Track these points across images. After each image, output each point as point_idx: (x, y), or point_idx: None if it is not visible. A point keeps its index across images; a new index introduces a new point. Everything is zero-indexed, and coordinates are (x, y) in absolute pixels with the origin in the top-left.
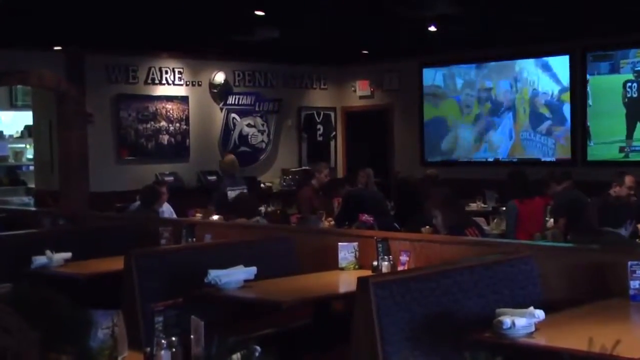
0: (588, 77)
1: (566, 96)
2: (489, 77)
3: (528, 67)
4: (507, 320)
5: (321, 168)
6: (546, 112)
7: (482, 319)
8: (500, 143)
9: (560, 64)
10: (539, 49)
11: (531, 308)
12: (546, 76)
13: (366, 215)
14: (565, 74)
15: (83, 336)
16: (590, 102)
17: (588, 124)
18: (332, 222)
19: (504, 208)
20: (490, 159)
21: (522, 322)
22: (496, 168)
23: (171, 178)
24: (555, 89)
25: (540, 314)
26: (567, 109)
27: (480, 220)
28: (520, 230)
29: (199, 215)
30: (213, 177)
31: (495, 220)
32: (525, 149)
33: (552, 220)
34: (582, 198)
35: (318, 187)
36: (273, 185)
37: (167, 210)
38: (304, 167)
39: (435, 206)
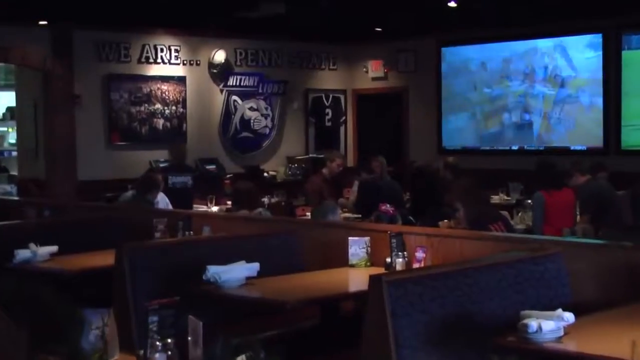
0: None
1: (582, 81)
2: (515, 56)
3: (554, 47)
4: (533, 324)
5: (334, 156)
6: (574, 92)
7: (505, 322)
8: (533, 122)
9: (580, 46)
10: (569, 27)
11: (559, 310)
12: (573, 57)
13: (387, 205)
14: (581, 58)
15: (74, 336)
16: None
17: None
18: (342, 215)
19: (530, 201)
20: (514, 147)
21: (549, 325)
22: (520, 157)
23: (166, 165)
24: (569, 72)
25: (569, 316)
26: (591, 93)
27: (504, 214)
28: (548, 225)
29: (196, 206)
30: (212, 166)
31: (519, 214)
32: (554, 129)
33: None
34: (609, 191)
35: (329, 177)
36: (277, 174)
37: (162, 200)
38: (311, 155)
39: (456, 198)
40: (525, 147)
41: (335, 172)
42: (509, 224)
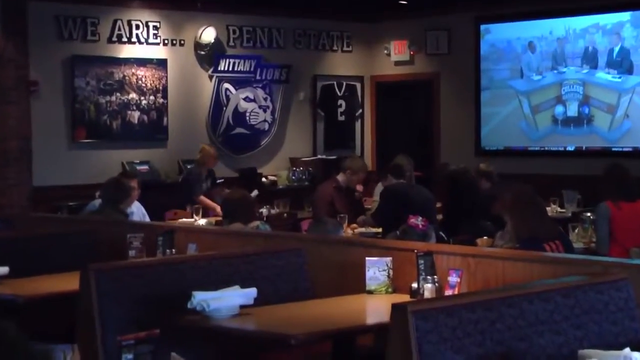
0: None
1: None
2: (572, 35)
3: (621, 23)
4: None
5: (358, 168)
6: None
7: None
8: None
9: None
10: None
11: (627, 350)
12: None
13: (419, 218)
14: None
15: None
16: None
17: None
18: (357, 230)
19: (589, 214)
20: (570, 148)
21: None
22: (577, 160)
23: (144, 168)
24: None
25: (638, 357)
26: None
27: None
28: (614, 244)
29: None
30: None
31: (576, 230)
32: (619, 125)
33: None
34: None
35: (344, 185)
36: (278, 179)
37: (137, 211)
38: (319, 156)
39: (506, 209)
40: (584, 147)
41: (352, 184)
42: (569, 244)
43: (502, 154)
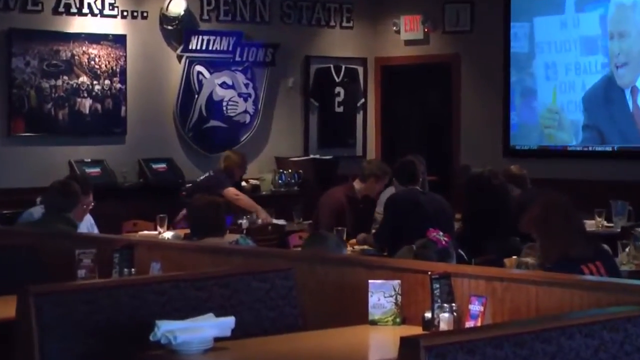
0: None
1: None
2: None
3: None
4: None
5: (380, 170)
6: None
7: None
8: None
9: None
10: None
11: None
12: None
13: (441, 233)
14: None
15: None
16: None
17: None
18: (358, 247)
19: None
20: (619, 147)
21: None
22: (629, 163)
23: (96, 170)
24: None
25: None
26: None
27: (607, 250)
28: None
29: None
30: (162, 165)
31: (627, 250)
32: None
33: None
34: None
35: (360, 194)
36: (262, 183)
37: (86, 222)
38: (312, 156)
39: (535, 223)
40: (635, 147)
41: (374, 194)
42: (613, 266)
43: (535, 154)
